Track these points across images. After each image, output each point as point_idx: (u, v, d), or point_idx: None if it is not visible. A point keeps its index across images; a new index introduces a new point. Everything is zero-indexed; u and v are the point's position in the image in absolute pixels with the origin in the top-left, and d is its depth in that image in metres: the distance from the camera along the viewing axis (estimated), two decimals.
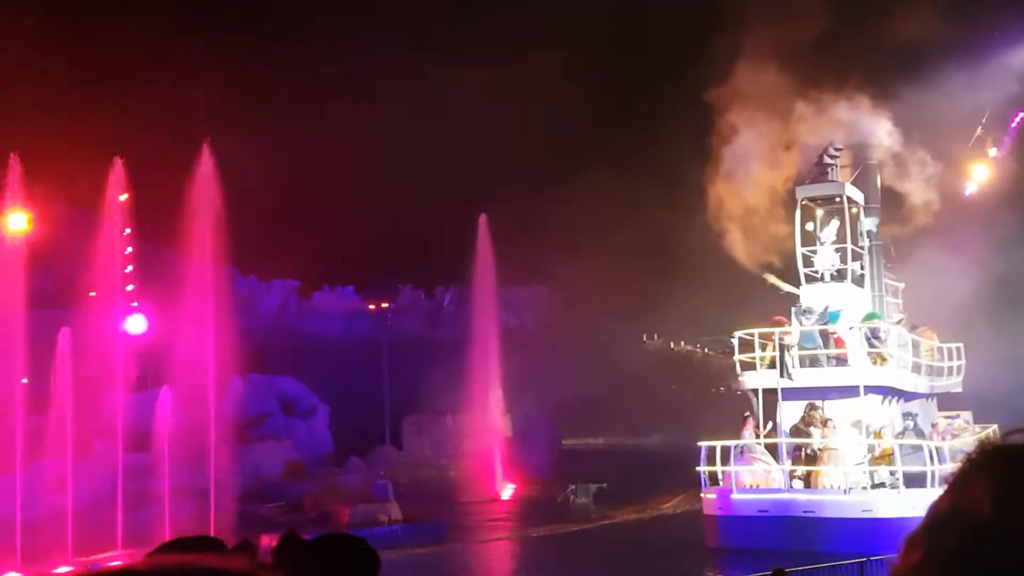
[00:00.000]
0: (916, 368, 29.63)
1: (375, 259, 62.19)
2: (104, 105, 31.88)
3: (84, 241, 30.27)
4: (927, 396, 30.64)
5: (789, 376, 26.36)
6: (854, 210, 29.63)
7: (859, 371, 26.83)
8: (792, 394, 26.95)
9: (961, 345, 32.46)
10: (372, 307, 62.92)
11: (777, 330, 27.52)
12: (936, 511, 1.02)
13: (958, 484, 1.02)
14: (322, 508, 36.00)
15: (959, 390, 32.46)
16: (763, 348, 27.74)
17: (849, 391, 26.61)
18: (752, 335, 27.85)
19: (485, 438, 45.54)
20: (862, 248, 29.93)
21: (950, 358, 32.21)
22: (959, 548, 0.96)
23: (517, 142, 48.87)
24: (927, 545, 1.00)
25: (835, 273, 28.98)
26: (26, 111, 30.61)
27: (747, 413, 27.52)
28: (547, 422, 52.86)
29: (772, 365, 26.80)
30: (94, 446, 30.88)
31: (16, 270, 28.90)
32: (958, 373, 32.49)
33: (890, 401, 28.01)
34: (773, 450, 26.84)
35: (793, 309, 28.39)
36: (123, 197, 32.78)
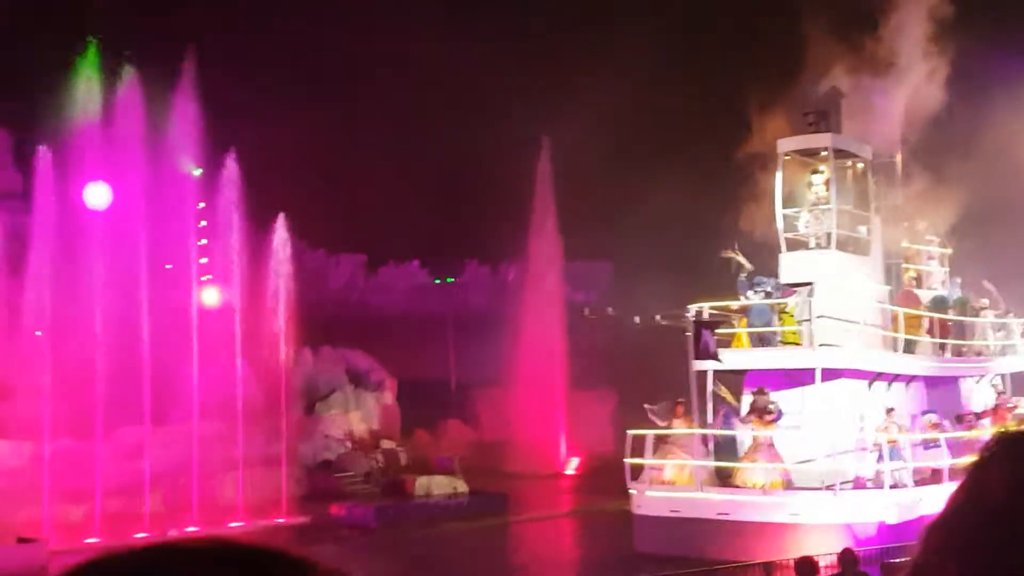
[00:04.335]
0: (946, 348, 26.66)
1: (441, 234, 62.59)
2: (177, 83, 32.42)
3: (160, 214, 30.93)
4: (976, 377, 27.69)
5: (714, 357, 22.98)
6: (860, 166, 26.21)
7: (810, 353, 23.27)
8: (754, 379, 24.01)
9: None
10: (438, 282, 63.43)
11: (694, 307, 24.22)
12: (954, 500, 1.07)
13: (975, 472, 1.07)
14: (389, 479, 36.60)
15: None
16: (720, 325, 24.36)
17: (828, 375, 23.11)
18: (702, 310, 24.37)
19: (550, 413, 45.82)
20: (867, 211, 26.13)
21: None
22: (976, 533, 1.00)
23: (587, 120, 48.73)
24: (945, 533, 1.04)
25: (825, 237, 25.25)
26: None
27: (680, 400, 24.44)
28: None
29: (694, 343, 23.26)
30: (171, 415, 31.65)
31: (95, 242, 29.64)
32: None
33: (888, 387, 24.74)
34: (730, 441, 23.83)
35: (743, 281, 24.84)
36: (197, 172, 33.42)
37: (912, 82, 27.08)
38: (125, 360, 29.48)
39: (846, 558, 14.24)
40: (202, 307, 32.98)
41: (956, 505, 1.05)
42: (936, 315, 26.80)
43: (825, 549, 17.54)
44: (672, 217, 50.01)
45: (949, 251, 29.29)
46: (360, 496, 34.11)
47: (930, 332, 26.69)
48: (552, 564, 25.62)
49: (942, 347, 27.03)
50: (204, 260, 34.36)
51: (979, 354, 28.06)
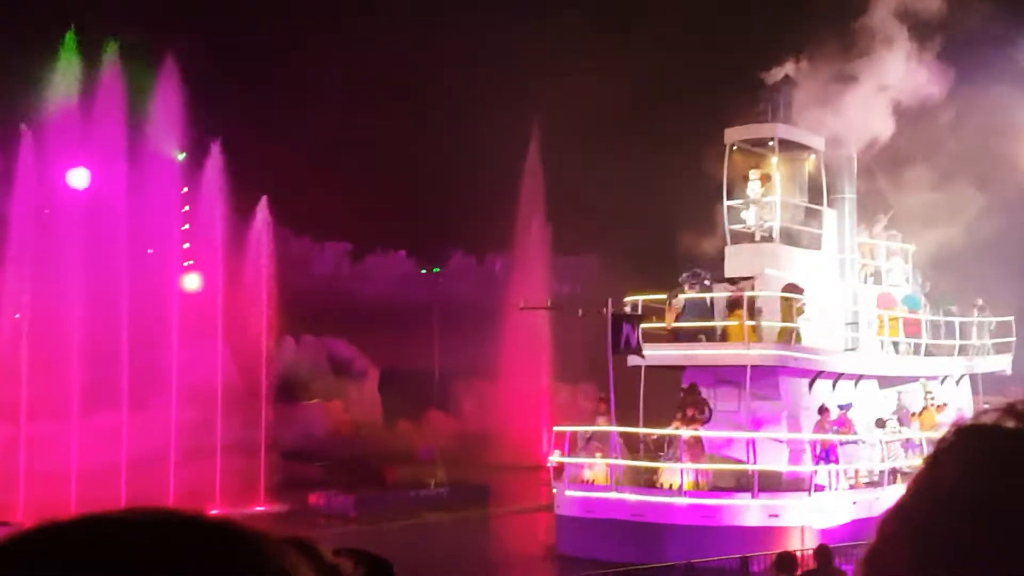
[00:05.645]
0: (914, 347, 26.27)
1: (427, 224, 62.39)
2: (173, 64, 32.22)
3: (142, 198, 30.75)
4: (938, 378, 27.10)
5: (637, 352, 22.11)
6: (812, 158, 25.59)
7: (739, 349, 22.37)
8: (693, 375, 23.26)
9: (1011, 319, 28.80)
10: (424, 271, 63.25)
11: (635, 301, 23.64)
12: (909, 489, 1.09)
13: (931, 460, 1.09)
14: (369, 469, 36.47)
15: (1005, 371, 28.96)
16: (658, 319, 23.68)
17: (761, 372, 22.32)
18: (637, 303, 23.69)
19: (532, 405, 45.79)
20: (820, 204, 25.45)
21: (985, 334, 28.55)
22: (928, 518, 1.03)
23: (572, 115, 48.64)
24: (899, 520, 1.06)
25: (770, 230, 24.49)
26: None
27: (602, 395, 23.57)
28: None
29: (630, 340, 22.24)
30: (150, 400, 31.51)
31: (76, 226, 29.43)
32: (1005, 351, 28.94)
33: (833, 386, 23.91)
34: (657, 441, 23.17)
35: (684, 275, 24.04)
36: (181, 156, 33.21)
37: (885, 72, 26.35)
38: (104, 344, 29.31)
39: (821, 554, 14.21)
40: (183, 292, 32.79)
41: (910, 493, 1.08)
42: (899, 315, 26.37)
43: (750, 552, 17.11)
44: (661, 211, 49.95)
45: (912, 247, 28.51)
46: (339, 485, 33.95)
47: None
48: (530, 557, 25.48)
49: (896, 347, 26.56)
50: (187, 245, 34.19)
51: (929, 354, 27.25)
